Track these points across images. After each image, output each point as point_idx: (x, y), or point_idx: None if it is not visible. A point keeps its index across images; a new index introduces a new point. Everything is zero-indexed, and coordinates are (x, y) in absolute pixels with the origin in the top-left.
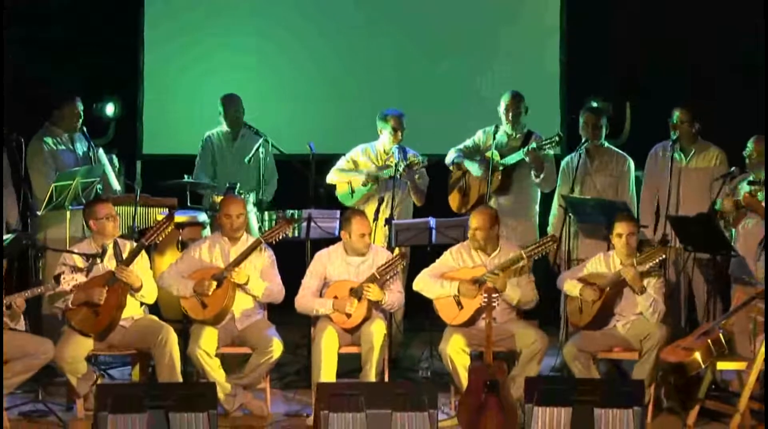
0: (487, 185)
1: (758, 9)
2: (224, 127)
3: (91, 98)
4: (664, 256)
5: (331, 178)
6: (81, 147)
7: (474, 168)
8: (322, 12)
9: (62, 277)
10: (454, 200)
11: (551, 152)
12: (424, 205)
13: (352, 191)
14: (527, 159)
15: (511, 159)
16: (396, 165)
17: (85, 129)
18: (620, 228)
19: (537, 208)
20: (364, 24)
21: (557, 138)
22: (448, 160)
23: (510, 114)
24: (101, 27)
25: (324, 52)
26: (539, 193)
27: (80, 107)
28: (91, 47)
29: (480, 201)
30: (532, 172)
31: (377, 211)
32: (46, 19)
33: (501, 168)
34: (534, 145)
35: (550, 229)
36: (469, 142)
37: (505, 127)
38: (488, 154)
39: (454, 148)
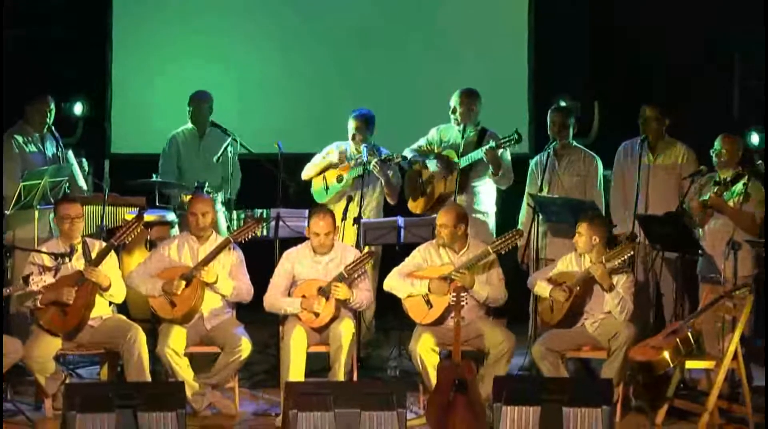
0: (454, 183)
1: (733, 8)
2: (190, 125)
3: (58, 97)
4: (632, 252)
5: (306, 173)
6: (51, 147)
7: (432, 165)
8: (291, 13)
9: (31, 277)
10: (417, 204)
11: (507, 153)
12: (392, 204)
13: (327, 188)
14: (485, 158)
15: (469, 159)
16: (366, 163)
17: (54, 129)
18: (579, 228)
19: (494, 205)
20: (333, 25)
21: (516, 136)
22: (403, 159)
23: (460, 113)
24: (69, 26)
25: (293, 52)
26: (496, 191)
27: (51, 106)
28: (60, 46)
29: (440, 199)
30: (490, 170)
31: (345, 210)
32: (16, 19)
33: (461, 166)
34: (493, 144)
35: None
36: (422, 141)
37: (453, 125)
38: (445, 152)
39: (408, 148)
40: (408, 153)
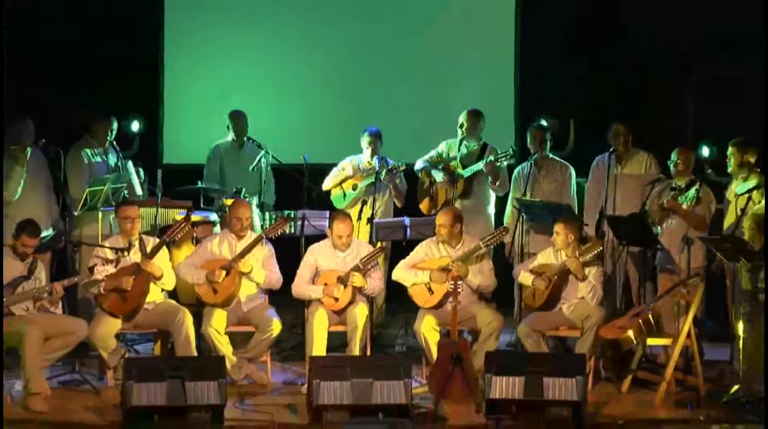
0: (453, 191)
1: (702, 32)
2: (230, 138)
3: (118, 115)
4: (601, 248)
5: (326, 185)
6: (112, 158)
7: (439, 176)
8: (315, 45)
9: (95, 268)
10: (424, 205)
11: (504, 164)
12: (400, 207)
13: (344, 195)
14: (485, 170)
15: (471, 170)
16: (377, 172)
17: (115, 143)
18: (556, 227)
19: (492, 208)
20: (348, 53)
21: (511, 151)
22: (416, 168)
23: (466, 129)
24: (128, 54)
25: (317, 78)
26: (493, 196)
27: (114, 125)
28: (118, 71)
29: (445, 204)
30: (489, 179)
31: (360, 212)
32: (79, 48)
33: (465, 176)
34: (492, 157)
35: None
36: (433, 153)
37: (460, 140)
38: (452, 163)
39: (421, 159)
40: (420, 162)
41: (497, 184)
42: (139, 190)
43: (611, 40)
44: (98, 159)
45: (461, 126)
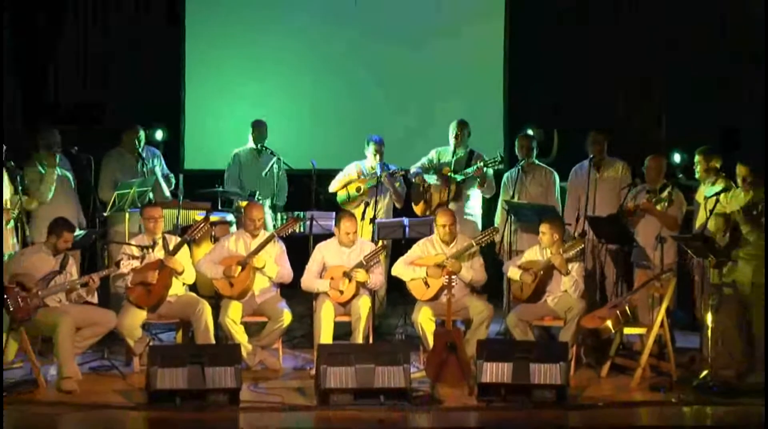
0: (447, 194)
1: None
2: (250, 145)
3: (143, 125)
4: (583, 245)
5: (332, 187)
6: (140, 164)
7: (432, 181)
8: (323, 61)
9: (122, 262)
10: (419, 207)
11: (491, 170)
12: (399, 208)
13: (349, 196)
14: (474, 174)
15: (464, 174)
16: (379, 176)
17: (142, 151)
18: (542, 227)
19: (480, 209)
20: (353, 67)
21: (499, 157)
22: (411, 173)
23: (455, 137)
24: (153, 68)
25: (324, 91)
26: (482, 198)
27: (142, 134)
28: (143, 84)
29: (439, 206)
30: (477, 183)
31: (364, 212)
32: (108, 63)
33: (458, 180)
34: (481, 163)
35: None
36: (424, 160)
37: (452, 147)
38: (445, 169)
39: (414, 165)
40: (414, 169)
41: (484, 187)
42: (167, 192)
43: (602, 46)
44: (127, 165)
45: (456, 136)
